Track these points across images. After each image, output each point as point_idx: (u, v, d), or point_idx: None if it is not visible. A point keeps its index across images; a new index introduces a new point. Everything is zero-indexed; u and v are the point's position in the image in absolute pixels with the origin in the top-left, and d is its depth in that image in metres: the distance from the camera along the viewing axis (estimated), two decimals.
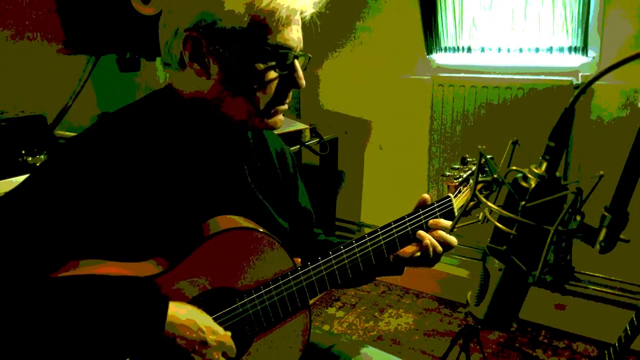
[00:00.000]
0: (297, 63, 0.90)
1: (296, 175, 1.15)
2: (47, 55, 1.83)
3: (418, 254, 1.04)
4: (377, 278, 1.17)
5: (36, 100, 1.75)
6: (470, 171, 1.15)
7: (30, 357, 0.75)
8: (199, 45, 0.85)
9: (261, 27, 0.84)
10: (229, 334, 0.88)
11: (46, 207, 0.79)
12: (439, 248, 1.03)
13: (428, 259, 1.03)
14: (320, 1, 0.89)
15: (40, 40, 1.80)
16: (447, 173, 1.15)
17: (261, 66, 0.86)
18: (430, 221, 1.04)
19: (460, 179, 1.11)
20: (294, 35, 0.88)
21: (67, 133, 1.75)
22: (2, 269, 0.76)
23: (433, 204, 1.06)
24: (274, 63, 0.87)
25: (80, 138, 0.87)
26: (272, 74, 0.88)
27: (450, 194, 1.09)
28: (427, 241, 1.02)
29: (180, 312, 0.82)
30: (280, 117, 0.94)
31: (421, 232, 1.03)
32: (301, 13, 0.88)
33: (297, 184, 1.15)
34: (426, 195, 1.08)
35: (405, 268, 1.11)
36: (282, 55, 0.87)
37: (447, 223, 1.05)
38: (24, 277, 0.76)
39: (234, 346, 0.87)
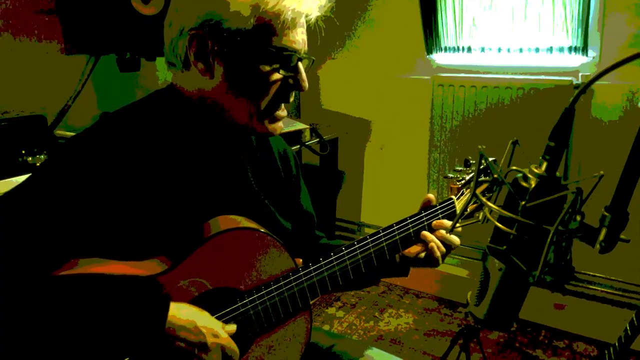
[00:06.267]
0: (300, 66, 0.91)
1: (299, 176, 1.15)
2: (47, 55, 1.83)
3: (422, 254, 1.05)
4: (382, 279, 1.17)
5: (36, 100, 1.75)
6: (472, 173, 1.15)
7: (31, 355, 0.75)
8: (204, 45, 0.85)
9: (266, 29, 0.84)
10: (233, 328, 0.87)
11: (47, 206, 0.79)
12: (442, 248, 1.03)
13: (433, 259, 1.03)
14: (325, 5, 0.89)
15: (40, 40, 1.80)
16: (450, 175, 1.15)
17: (265, 68, 0.87)
18: (434, 222, 1.05)
19: (462, 181, 1.11)
20: (299, 38, 0.88)
21: (67, 133, 1.75)
22: (3, 268, 0.76)
23: (435, 206, 1.07)
24: (278, 65, 0.87)
25: (81, 137, 0.87)
26: (276, 76, 0.88)
27: (453, 196, 1.09)
28: (432, 244, 1.02)
29: (181, 312, 0.81)
30: (280, 124, 0.95)
31: (425, 233, 1.03)
32: (306, 16, 0.88)
33: (299, 185, 1.15)
34: (431, 195, 1.08)
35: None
36: (286, 57, 0.87)
37: (450, 223, 1.05)
38: (26, 275, 0.76)
39: (236, 349, 0.87)
